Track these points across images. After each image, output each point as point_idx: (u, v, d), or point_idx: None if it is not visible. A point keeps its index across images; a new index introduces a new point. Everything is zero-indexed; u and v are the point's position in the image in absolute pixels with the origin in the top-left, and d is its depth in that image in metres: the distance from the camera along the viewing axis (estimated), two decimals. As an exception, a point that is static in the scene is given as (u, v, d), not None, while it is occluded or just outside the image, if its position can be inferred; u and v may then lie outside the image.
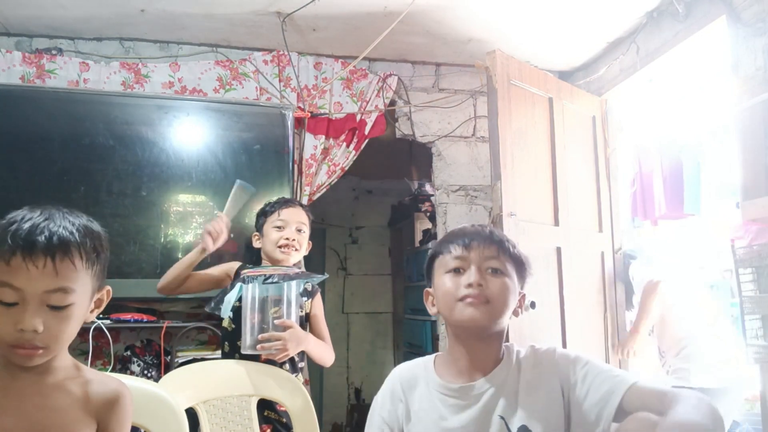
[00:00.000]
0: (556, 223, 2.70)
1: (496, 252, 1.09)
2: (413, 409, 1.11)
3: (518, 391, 1.07)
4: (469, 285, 1.06)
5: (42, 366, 0.91)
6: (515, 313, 1.12)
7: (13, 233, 0.84)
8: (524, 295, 1.15)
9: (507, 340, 1.16)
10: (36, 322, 0.85)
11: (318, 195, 3.05)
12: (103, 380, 1.00)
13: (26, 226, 0.86)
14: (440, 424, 1.07)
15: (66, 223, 0.89)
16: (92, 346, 2.30)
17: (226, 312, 1.75)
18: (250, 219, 2.90)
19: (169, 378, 1.55)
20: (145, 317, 2.61)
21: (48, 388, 0.93)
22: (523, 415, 1.04)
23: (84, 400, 0.95)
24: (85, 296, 0.92)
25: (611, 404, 0.98)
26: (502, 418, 1.04)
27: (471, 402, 1.07)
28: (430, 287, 1.17)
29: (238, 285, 1.73)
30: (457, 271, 1.09)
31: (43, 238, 0.85)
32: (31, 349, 0.86)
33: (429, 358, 1.18)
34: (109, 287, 0.99)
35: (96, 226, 0.95)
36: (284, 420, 1.70)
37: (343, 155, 3.07)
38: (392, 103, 3.22)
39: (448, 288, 1.09)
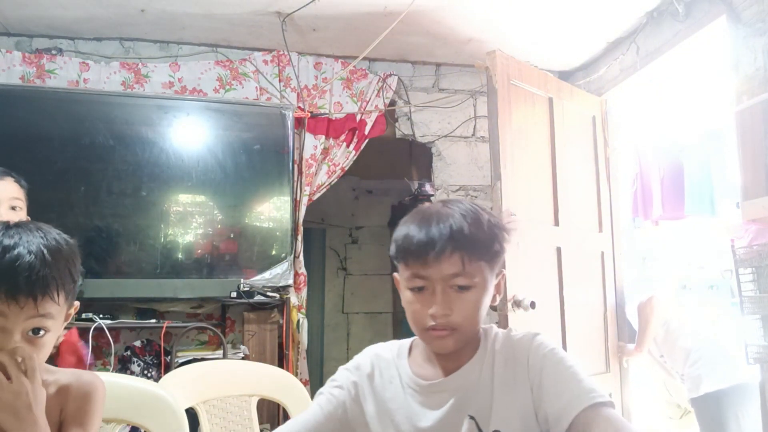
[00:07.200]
0: (556, 223, 2.70)
1: (460, 266, 0.94)
2: (384, 400, 1.04)
3: (493, 389, 0.99)
4: (434, 314, 0.95)
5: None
6: (493, 302, 1.03)
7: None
8: (503, 275, 1.03)
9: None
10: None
11: (318, 195, 3.06)
12: (75, 372, 1.00)
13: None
14: (412, 422, 1.00)
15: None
16: (92, 346, 2.30)
17: None
18: (251, 218, 2.91)
19: (169, 378, 1.56)
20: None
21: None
22: (497, 418, 0.96)
23: (56, 393, 0.95)
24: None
25: (563, 422, 0.91)
26: (472, 418, 0.97)
27: (442, 401, 0.99)
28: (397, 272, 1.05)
29: None
30: (420, 289, 0.97)
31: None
32: None
33: (405, 345, 1.10)
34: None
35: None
36: None
37: (343, 155, 3.07)
38: (392, 103, 3.22)
39: (412, 311, 0.98)
